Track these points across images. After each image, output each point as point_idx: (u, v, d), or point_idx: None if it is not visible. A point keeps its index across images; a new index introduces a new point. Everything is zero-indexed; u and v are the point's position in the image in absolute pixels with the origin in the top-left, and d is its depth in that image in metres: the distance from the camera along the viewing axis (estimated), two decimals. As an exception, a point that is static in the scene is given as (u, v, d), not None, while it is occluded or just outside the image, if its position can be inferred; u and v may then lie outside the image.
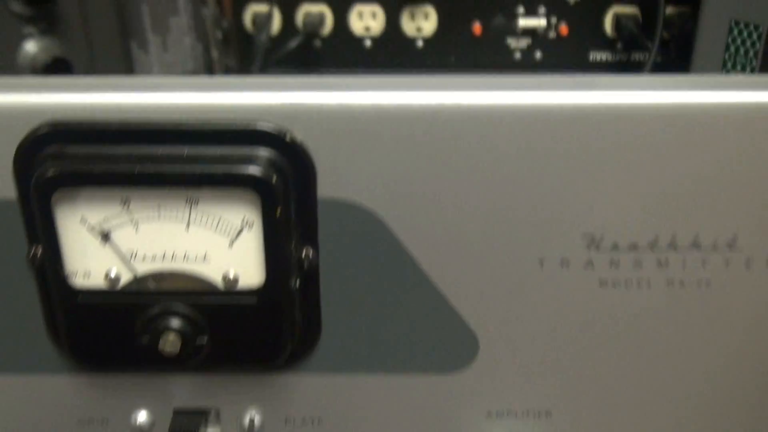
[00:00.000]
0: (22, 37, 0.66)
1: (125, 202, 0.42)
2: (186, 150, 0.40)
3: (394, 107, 0.40)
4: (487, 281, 0.44)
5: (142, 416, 0.49)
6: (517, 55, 0.83)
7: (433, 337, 0.46)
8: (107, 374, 0.48)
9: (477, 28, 0.82)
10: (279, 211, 0.41)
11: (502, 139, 0.41)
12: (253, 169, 0.40)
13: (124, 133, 0.40)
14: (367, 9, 0.81)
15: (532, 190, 0.42)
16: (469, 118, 0.40)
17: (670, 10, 0.80)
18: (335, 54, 0.83)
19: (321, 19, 0.81)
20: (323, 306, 0.45)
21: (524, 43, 0.83)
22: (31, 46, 0.67)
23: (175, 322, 0.43)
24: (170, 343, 0.43)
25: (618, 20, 0.81)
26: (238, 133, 0.40)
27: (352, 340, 0.46)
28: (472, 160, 0.41)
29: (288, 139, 0.40)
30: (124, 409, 0.49)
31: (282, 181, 0.40)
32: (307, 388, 0.48)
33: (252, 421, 0.48)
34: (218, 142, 0.40)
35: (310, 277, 0.44)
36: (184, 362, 0.44)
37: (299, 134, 0.40)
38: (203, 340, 0.44)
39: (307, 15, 0.81)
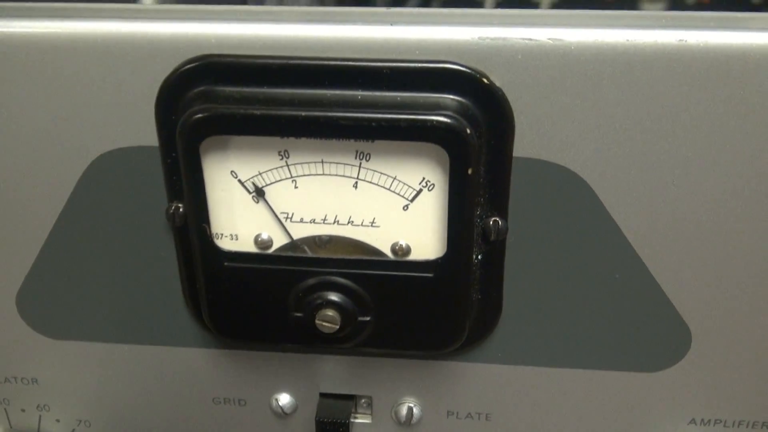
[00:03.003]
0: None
1: (284, 154, 0.36)
2: (359, 94, 0.34)
3: (622, 46, 0.32)
4: (710, 265, 0.36)
5: (284, 399, 0.44)
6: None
7: (636, 328, 0.39)
8: (248, 350, 0.42)
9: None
10: (470, 170, 0.34)
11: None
12: (443, 118, 0.33)
13: (287, 71, 0.34)
14: None
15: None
16: (733, 58, 0.32)
17: None
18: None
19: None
20: (506, 285, 0.38)
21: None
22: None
23: (336, 296, 0.37)
24: (328, 320, 0.37)
25: None
26: (424, 75, 0.33)
27: (535, 326, 0.39)
28: (718, 116, 0.33)
29: (486, 82, 0.33)
30: (265, 390, 0.44)
31: (476, 134, 0.33)
32: (477, 380, 0.41)
33: (410, 412, 0.42)
34: (399, 86, 0.34)
35: (496, 250, 0.37)
36: (341, 343, 0.38)
37: (498, 78, 0.33)
38: (366, 318, 0.37)
39: None
